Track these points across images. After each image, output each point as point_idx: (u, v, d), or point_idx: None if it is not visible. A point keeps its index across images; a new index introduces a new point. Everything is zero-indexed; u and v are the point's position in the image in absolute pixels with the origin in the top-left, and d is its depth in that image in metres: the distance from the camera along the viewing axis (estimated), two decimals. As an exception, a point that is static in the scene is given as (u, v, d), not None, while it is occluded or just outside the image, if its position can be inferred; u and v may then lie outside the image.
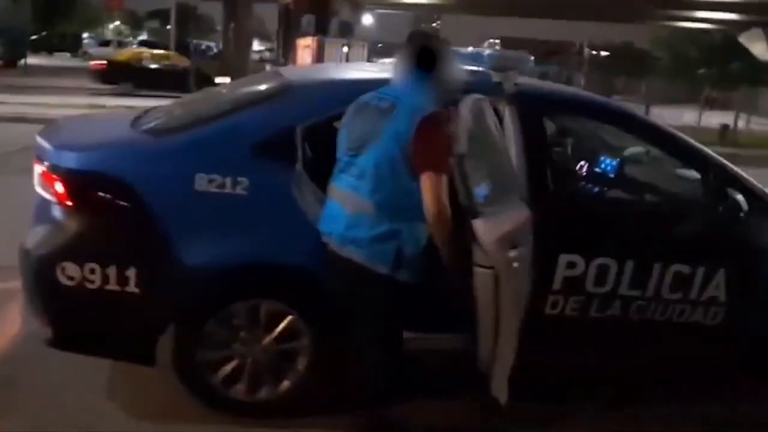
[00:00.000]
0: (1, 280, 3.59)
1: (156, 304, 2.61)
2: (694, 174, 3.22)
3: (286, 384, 2.79)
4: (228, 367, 2.74)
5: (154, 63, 19.00)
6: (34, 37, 35.42)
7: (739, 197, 2.91)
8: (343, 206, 2.40)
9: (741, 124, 17.32)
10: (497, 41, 50.53)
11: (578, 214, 2.99)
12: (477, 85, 2.92)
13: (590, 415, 3.10)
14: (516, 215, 2.30)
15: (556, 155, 3.97)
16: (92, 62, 19.69)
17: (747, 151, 13.89)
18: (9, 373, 3.04)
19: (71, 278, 2.57)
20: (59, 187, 2.60)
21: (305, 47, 19.66)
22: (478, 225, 2.11)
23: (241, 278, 2.68)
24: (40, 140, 2.79)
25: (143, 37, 48.69)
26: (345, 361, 2.63)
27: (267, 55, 39.96)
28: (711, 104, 19.93)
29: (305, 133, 2.75)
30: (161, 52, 21.17)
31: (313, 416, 2.80)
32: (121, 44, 31.01)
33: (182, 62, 19.54)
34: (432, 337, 2.82)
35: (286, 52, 24.54)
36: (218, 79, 17.91)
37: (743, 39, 27.42)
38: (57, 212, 2.65)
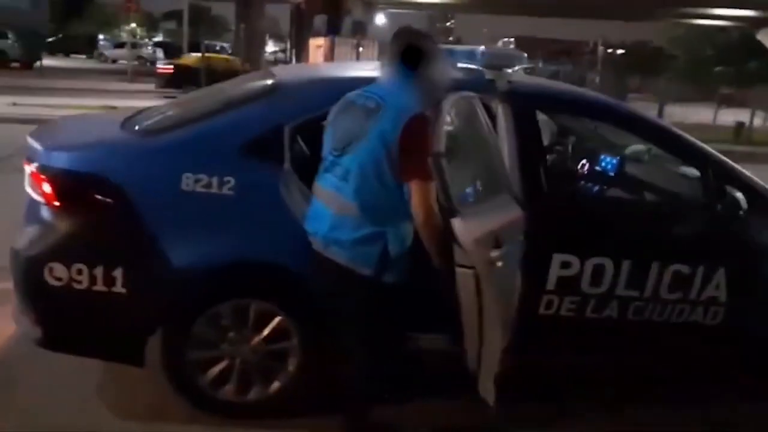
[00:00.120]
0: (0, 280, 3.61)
1: (143, 304, 2.61)
2: (695, 172, 3.16)
3: (276, 385, 2.77)
4: (217, 368, 2.72)
5: (219, 67, 19.23)
6: (50, 39, 35.90)
7: (739, 195, 2.84)
8: (328, 206, 2.37)
9: (757, 122, 17.06)
10: (512, 40, 50.28)
11: (573, 213, 2.94)
12: (469, 82, 2.89)
13: (590, 415, 3.06)
14: (503, 214, 2.26)
15: (556, 154, 3.94)
16: (158, 67, 20.34)
17: (763, 149, 13.68)
18: (1, 373, 3.05)
19: (59, 279, 2.57)
20: (47, 188, 2.59)
21: (317, 47, 19.69)
22: (457, 224, 2.07)
23: (228, 278, 2.66)
24: (30, 141, 2.80)
25: (158, 38, 49.14)
26: (334, 361, 2.60)
27: (281, 55, 40.08)
28: (727, 102, 19.65)
29: (294, 132, 2.73)
30: (224, 56, 21.74)
31: (303, 417, 2.78)
32: (135, 46, 31.22)
33: (243, 66, 19.89)
34: (426, 338, 2.79)
35: (298, 52, 24.59)
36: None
37: (761, 36, 27.04)
38: (45, 213, 2.65)
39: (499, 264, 2.12)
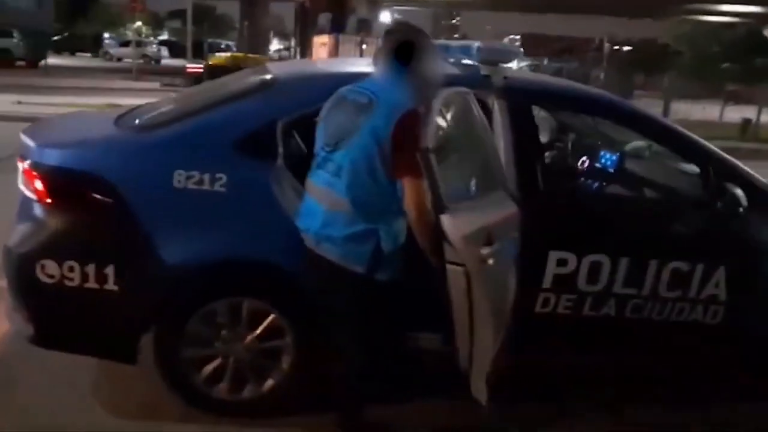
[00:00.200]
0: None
1: (135, 302, 2.59)
2: (695, 169, 3.12)
3: (269, 383, 2.75)
4: (210, 366, 2.71)
5: (250, 66, 19.08)
6: (55, 38, 36.01)
7: (739, 192, 2.79)
8: (320, 203, 2.35)
9: (764, 119, 16.90)
10: (517, 37, 50.10)
11: (570, 209, 2.90)
12: (464, 78, 2.85)
13: (590, 415, 3.03)
14: (495, 211, 2.23)
15: (556, 150, 3.90)
16: (188, 66, 20.03)
17: (769, 146, 13.56)
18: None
19: (51, 276, 2.56)
20: (38, 185, 2.58)
21: (322, 45, 19.67)
22: (445, 220, 2.04)
23: (220, 276, 2.64)
24: (23, 138, 2.78)
25: (164, 37, 49.25)
26: (328, 359, 2.58)
27: (286, 53, 40.11)
28: (734, 99, 19.48)
29: (287, 127, 2.70)
30: (255, 56, 21.60)
31: (297, 415, 2.76)
32: (139, 44, 31.29)
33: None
34: (424, 337, 2.77)
35: (303, 50, 24.59)
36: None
37: (768, 32, 26.82)
38: (37, 210, 2.64)
39: (491, 261, 2.09)
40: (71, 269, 2.55)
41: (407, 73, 2.33)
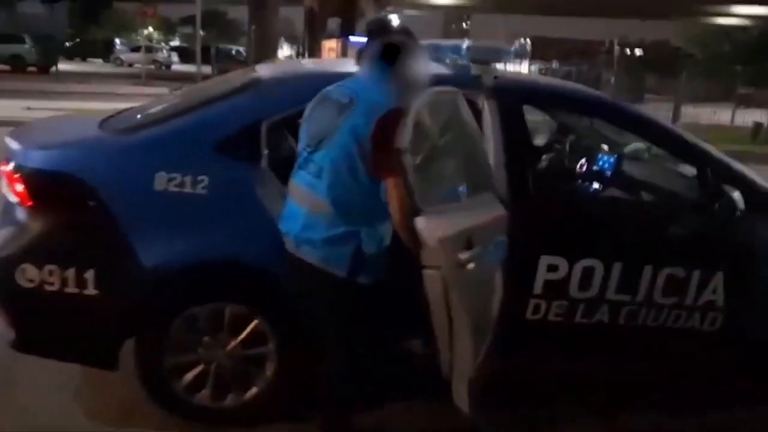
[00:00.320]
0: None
1: (115, 307, 2.54)
2: (693, 171, 3.03)
3: (253, 390, 2.69)
4: (192, 373, 2.65)
5: None
6: (67, 44, 36.35)
7: (736, 195, 2.70)
8: (301, 205, 2.29)
9: (777, 122, 16.67)
10: (527, 40, 49.93)
11: (561, 213, 2.83)
12: (454, 78, 2.80)
13: (582, 421, 2.96)
14: (477, 213, 2.16)
15: (554, 152, 3.82)
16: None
17: (781, 150, 13.35)
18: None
19: (31, 280, 2.52)
20: (19, 188, 2.55)
21: (331, 49, 19.69)
22: (420, 223, 1.97)
23: (201, 281, 2.60)
24: (7, 141, 2.75)
25: (175, 42, 49.59)
26: (312, 366, 2.52)
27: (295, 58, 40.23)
28: (746, 103, 19.24)
29: (272, 128, 2.65)
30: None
31: (280, 423, 2.71)
32: (150, 50, 31.51)
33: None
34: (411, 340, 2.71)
35: (312, 54, 24.60)
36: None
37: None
38: (19, 214, 2.60)
39: (471, 266, 2.01)
40: (51, 273, 2.51)
41: (391, 73, 2.27)
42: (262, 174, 2.59)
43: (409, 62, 2.29)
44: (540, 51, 38.34)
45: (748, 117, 16.39)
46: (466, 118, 2.46)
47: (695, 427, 2.98)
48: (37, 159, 2.57)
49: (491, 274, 2.24)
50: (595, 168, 3.41)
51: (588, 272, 2.72)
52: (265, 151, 2.60)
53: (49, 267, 2.50)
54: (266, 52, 22.70)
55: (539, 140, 4.02)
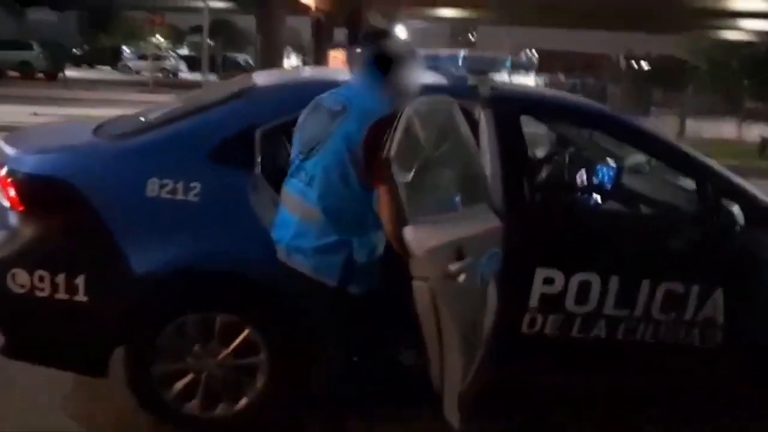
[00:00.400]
0: None
1: (105, 313, 2.52)
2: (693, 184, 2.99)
3: (243, 401, 2.66)
4: (182, 382, 2.62)
5: None
6: (76, 51, 36.61)
7: (735, 209, 2.66)
8: (293, 213, 2.27)
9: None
10: (533, 52, 49.97)
11: (558, 225, 2.79)
12: (450, 88, 2.78)
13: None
14: (469, 224, 2.12)
15: (554, 163, 3.79)
16: None
17: (788, 165, 13.25)
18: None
19: (22, 286, 2.50)
20: (12, 192, 2.53)
21: (336, 59, 19.80)
22: (408, 233, 1.94)
23: (192, 289, 2.57)
24: (1, 145, 2.74)
25: (184, 51, 49.86)
26: (305, 378, 2.49)
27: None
28: (753, 117, 19.17)
29: (266, 136, 2.64)
30: None
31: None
32: (158, 58, 31.71)
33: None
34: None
35: (318, 63, 24.72)
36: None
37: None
38: (11, 218, 2.59)
39: (461, 278, 1.98)
40: (41, 279, 2.49)
41: (385, 81, 2.26)
42: (255, 181, 2.57)
43: (402, 70, 2.27)
44: (546, 63, 38.35)
45: (754, 131, 16.33)
46: (461, 128, 2.43)
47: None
48: (28, 164, 2.56)
49: (484, 287, 2.20)
50: (593, 180, 3.38)
51: (585, 286, 2.68)
52: (259, 159, 2.58)
53: (39, 272, 2.48)
54: (273, 61, 22.84)
55: (539, 152, 4.00)
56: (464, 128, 2.44)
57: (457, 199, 2.31)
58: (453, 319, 1.99)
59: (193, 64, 35.83)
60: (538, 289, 2.67)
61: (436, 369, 2.10)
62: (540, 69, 36.64)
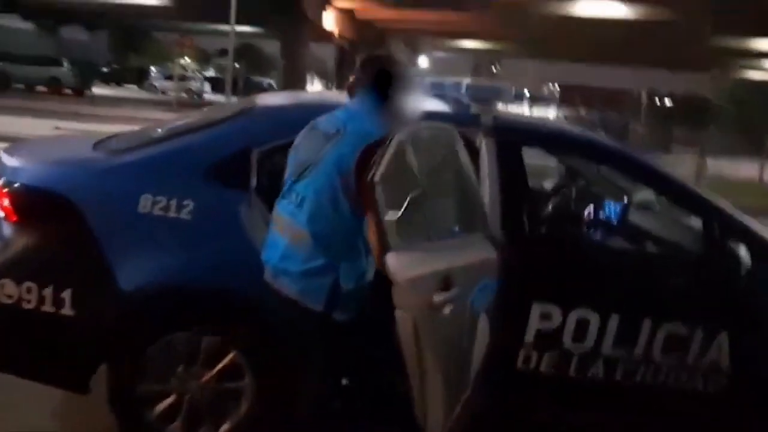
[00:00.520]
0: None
1: (90, 329, 2.48)
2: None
3: (225, 426, 2.58)
4: (165, 403, 2.56)
5: None
6: (105, 69, 37.39)
7: (742, 251, 2.56)
8: (282, 234, 2.23)
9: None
10: (555, 86, 50.01)
11: (557, 258, 2.71)
12: (452, 116, 2.74)
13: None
14: (459, 254, 2.05)
15: (561, 196, 3.72)
16: None
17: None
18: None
19: (9, 296, 2.48)
20: (6, 202, 2.53)
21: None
22: (390, 261, 1.88)
23: (178, 309, 2.53)
24: (2, 156, 2.75)
25: (210, 73, 50.70)
26: (289, 403, 2.42)
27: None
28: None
29: (263, 156, 2.61)
30: None
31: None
32: (184, 78, 32.24)
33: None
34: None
35: (341, 89, 24.99)
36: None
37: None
38: (5, 229, 2.59)
39: (447, 309, 1.91)
40: (29, 291, 2.47)
41: (382, 105, 2.23)
42: (248, 202, 2.54)
43: (401, 95, 2.24)
44: (568, 97, 38.31)
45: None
46: (461, 157, 2.38)
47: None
48: (24, 175, 2.56)
49: (473, 319, 2.12)
50: (599, 215, 3.29)
51: (583, 324, 2.59)
52: (254, 179, 2.56)
53: (27, 284, 2.47)
54: (296, 86, 23.14)
55: (546, 184, 3.94)
56: (464, 157, 2.39)
57: (451, 228, 2.25)
58: (436, 350, 1.92)
59: (217, 85, 36.40)
60: (534, 324, 2.59)
61: (419, 400, 2.02)
62: (562, 103, 36.59)
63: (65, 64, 27.02)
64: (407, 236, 1.92)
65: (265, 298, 2.27)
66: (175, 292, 2.50)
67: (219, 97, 29.18)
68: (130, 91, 36.12)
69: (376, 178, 1.85)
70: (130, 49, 42.27)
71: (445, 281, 1.93)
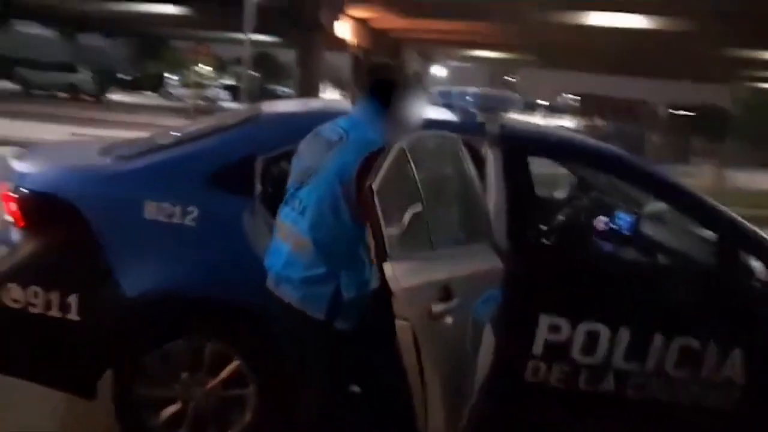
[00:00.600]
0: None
1: (96, 334, 2.48)
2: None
3: (230, 433, 2.57)
4: (169, 410, 2.56)
5: None
6: (123, 76, 37.84)
7: (754, 263, 2.52)
8: (285, 240, 2.22)
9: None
10: (576, 97, 49.87)
11: (565, 269, 2.67)
12: (458, 124, 2.72)
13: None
14: (460, 264, 2.03)
15: (572, 207, 3.68)
16: None
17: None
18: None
19: (16, 301, 2.49)
20: (13, 207, 2.55)
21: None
22: (387, 270, 1.86)
23: (181, 315, 2.52)
24: (10, 161, 2.77)
25: (227, 81, 51.14)
26: (293, 412, 2.40)
27: (341, 102, 40.81)
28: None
29: (268, 163, 2.61)
30: None
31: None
32: (200, 86, 32.54)
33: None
34: None
35: (355, 98, 25.01)
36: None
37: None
38: (13, 234, 2.60)
39: (448, 320, 1.88)
40: (35, 295, 2.48)
41: (385, 113, 2.21)
42: (253, 209, 2.54)
43: (404, 103, 2.23)
44: (586, 108, 38.16)
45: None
46: (465, 166, 2.37)
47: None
48: (31, 181, 2.57)
49: (477, 329, 2.10)
50: (609, 226, 3.25)
51: (592, 336, 2.56)
52: (259, 186, 2.55)
53: (33, 288, 2.47)
54: (310, 94, 23.25)
55: (556, 193, 3.90)
56: (468, 165, 2.37)
57: (454, 237, 2.23)
58: (436, 362, 1.89)
59: (235, 93, 36.67)
60: (542, 336, 2.55)
61: (420, 408, 1.99)
62: (579, 113, 36.44)
63: (83, 70, 27.39)
64: (405, 245, 1.89)
65: (269, 305, 2.26)
66: (178, 298, 2.49)
67: (236, 105, 29.41)
68: (147, 98, 36.47)
69: (375, 187, 1.83)
70: (148, 56, 42.75)
71: (445, 291, 1.90)
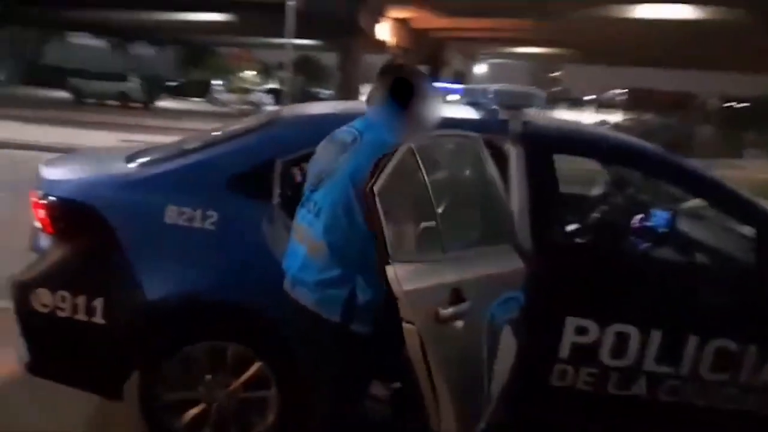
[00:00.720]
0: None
1: (121, 337, 2.53)
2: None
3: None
4: (193, 412, 2.58)
5: None
6: (171, 83, 38.80)
7: None
8: (301, 243, 2.21)
9: None
10: (624, 91, 48.71)
11: (592, 269, 2.58)
12: (479, 123, 2.66)
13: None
14: (472, 266, 1.97)
15: (608, 205, 3.57)
16: None
17: None
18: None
19: (45, 305, 2.55)
20: (42, 214, 2.61)
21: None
22: (390, 273, 1.81)
23: (203, 317, 2.54)
24: (41, 169, 2.85)
25: (272, 85, 51.95)
26: (314, 415, 2.39)
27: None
28: None
29: (286, 167, 2.60)
30: None
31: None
32: (246, 91, 33.18)
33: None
34: None
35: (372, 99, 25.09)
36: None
37: None
38: (42, 240, 2.67)
39: (458, 323, 1.83)
40: (63, 299, 2.53)
41: (401, 114, 2.17)
42: (271, 212, 2.53)
43: (421, 103, 2.18)
44: (636, 102, 37.06)
45: None
46: (486, 165, 2.31)
47: None
48: (59, 188, 2.63)
49: (494, 332, 2.04)
50: (643, 222, 3.13)
51: (622, 338, 2.46)
52: (278, 190, 2.55)
53: (61, 293, 2.53)
54: (350, 96, 23.39)
55: (591, 191, 3.79)
56: (489, 165, 2.31)
57: (471, 239, 2.17)
58: (445, 366, 1.84)
59: (279, 97, 37.18)
60: (569, 338, 2.47)
61: (432, 411, 1.94)
62: (626, 108, 35.48)
63: (132, 79, 28.17)
64: (408, 248, 1.85)
65: (287, 308, 2.26)
66: (199, 301, 2.51)
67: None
68: (195, 104, 37.31)
69: (375, 188, 1.79)
70: (193, 63, 43.76)
71: (454, 294, 1.85)
